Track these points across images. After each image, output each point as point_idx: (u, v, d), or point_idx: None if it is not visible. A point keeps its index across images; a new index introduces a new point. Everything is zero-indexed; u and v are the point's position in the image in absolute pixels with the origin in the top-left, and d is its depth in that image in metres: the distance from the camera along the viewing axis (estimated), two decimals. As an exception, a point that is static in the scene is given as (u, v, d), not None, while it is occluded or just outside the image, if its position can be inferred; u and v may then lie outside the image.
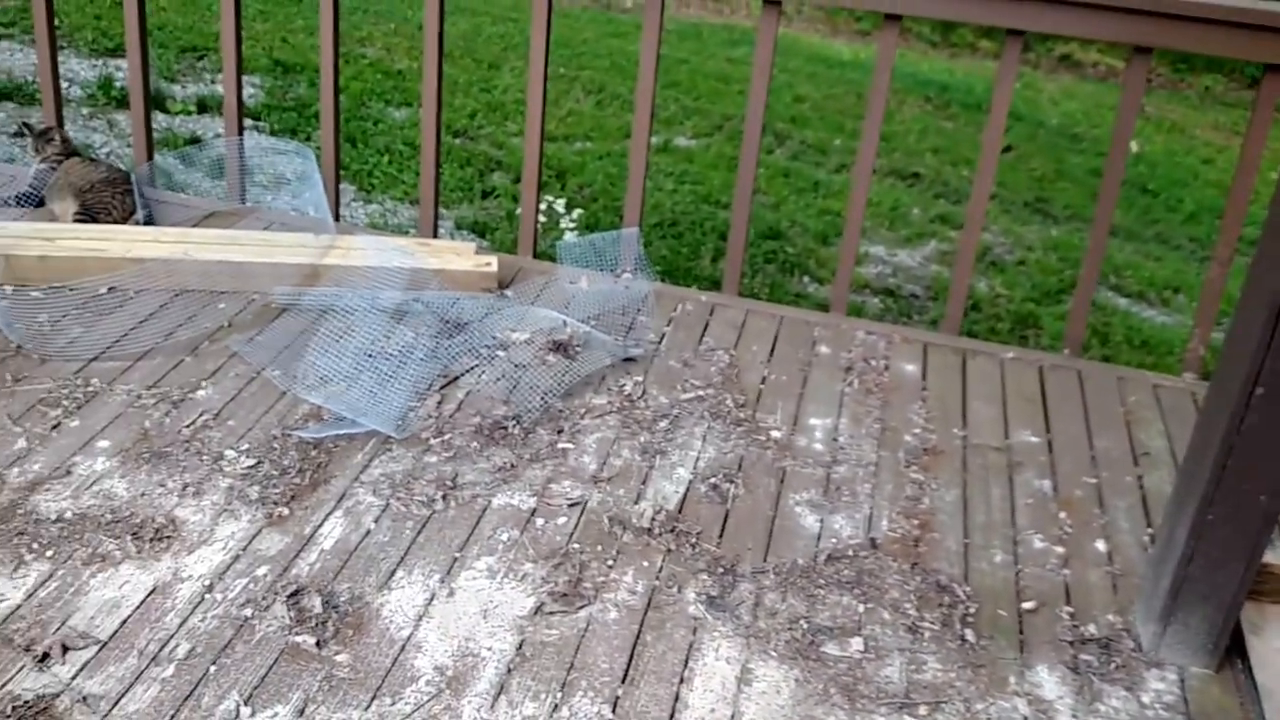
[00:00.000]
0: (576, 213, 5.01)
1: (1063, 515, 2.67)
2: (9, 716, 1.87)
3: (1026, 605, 2.37)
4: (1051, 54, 9.96)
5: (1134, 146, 5.62)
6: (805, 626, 2.25)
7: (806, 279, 5.13)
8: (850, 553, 2.46)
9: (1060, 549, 2.56)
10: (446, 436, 2.71)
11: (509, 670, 2.08)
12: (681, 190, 5.76)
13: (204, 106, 5.80)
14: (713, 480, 2.65)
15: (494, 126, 6.20)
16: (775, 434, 2.86)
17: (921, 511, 2.63)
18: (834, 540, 2.51)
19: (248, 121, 4.99)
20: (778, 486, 2.67)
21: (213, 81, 6.14)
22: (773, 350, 3.26)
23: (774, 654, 2.18)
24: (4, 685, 1.94)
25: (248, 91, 5.75)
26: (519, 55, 7.18)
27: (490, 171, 5.68)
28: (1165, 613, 2.24)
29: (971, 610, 2.34)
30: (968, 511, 2.65)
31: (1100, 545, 2.59)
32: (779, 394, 3.04)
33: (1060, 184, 6.84)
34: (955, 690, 2.15)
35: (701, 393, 3.00)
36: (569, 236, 4.66)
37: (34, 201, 3.61)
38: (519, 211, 3.83)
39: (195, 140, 5.38)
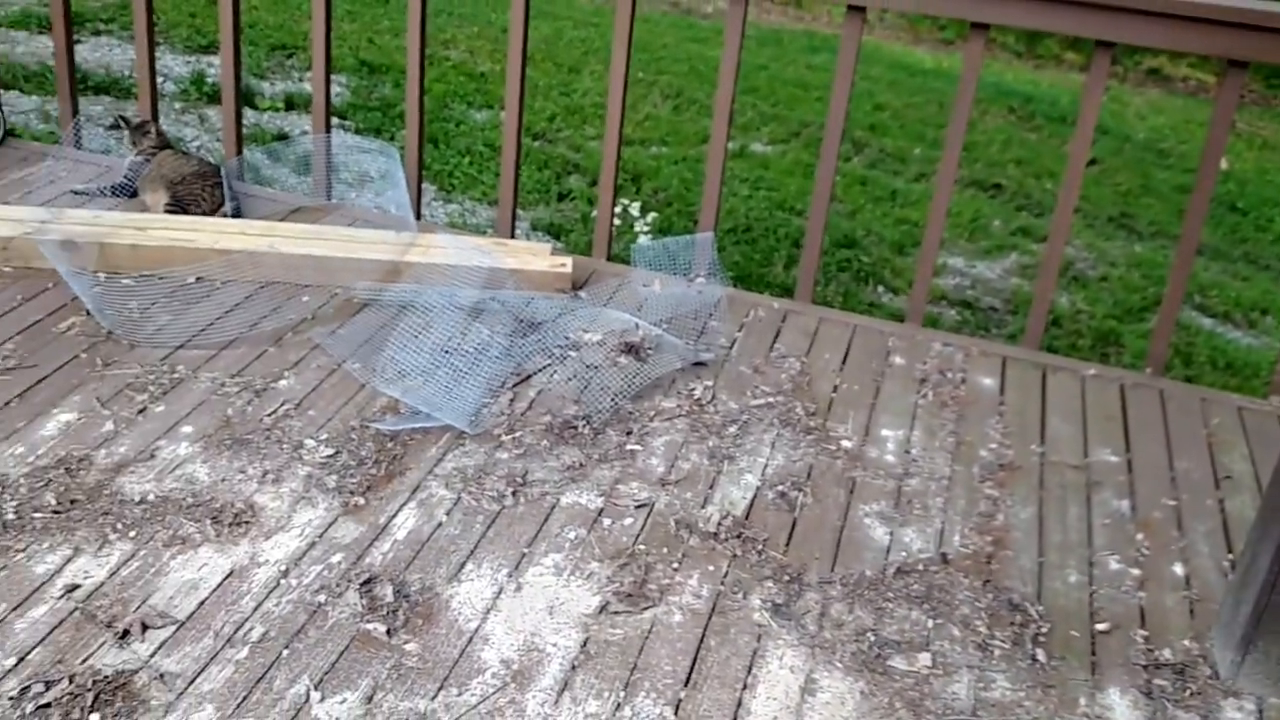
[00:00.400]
0: (651, 216, 5.03)
1: (1140, 537, 2.61)
2: (90, 690, 1.94)
3: (1100, 627, 2.33)
4: (1139, 67, 9.75)
5: (1223, 163, 5.48)
6: (872, 639, 2.23)
7: (881, 288, 5.08)
8: (920, 567, 2.44)
9: (1137, 571, 2.50)
10: (518, 434, 2.74)
11: (573, 667, 2.10)
12: (756, 196, 5.74)
13: (291, 104, 5.93)
14: (781, 488, 2.64)
15: (572, 130, 6.24)
16: (846, 444, 2.84)
17: (995, 528, 2.59)
18: (904, 553, 2.48)
19: (334, 120, 5.09)
20: (847, 497, 2.65)
21: (300, 80, 6.28)
22: (845, 359, 3.24)
23: (839, 665, 2.17)
24: (86, 660, 2.00)
25: (334, 90, 5.86)
26: (599, 59, 7.23)
27: (567, 174, 5.72)
28: (1245, 640, 2.19)
29: (1043, 630, 2.30)
30: (1043, 530, 2.61)
31: (1178, 569, 2.53)
32: (851, 403, 3.02)
33: (1145, 199, 6.69)
34: (1024, 710, 2.11)
35: (771, 399, 2.99)
36: (643, 240, 4.68)
37: (128, 192, 3.73)
38: (594, 214, 3.86)
39: (283, 137, 5.51)
